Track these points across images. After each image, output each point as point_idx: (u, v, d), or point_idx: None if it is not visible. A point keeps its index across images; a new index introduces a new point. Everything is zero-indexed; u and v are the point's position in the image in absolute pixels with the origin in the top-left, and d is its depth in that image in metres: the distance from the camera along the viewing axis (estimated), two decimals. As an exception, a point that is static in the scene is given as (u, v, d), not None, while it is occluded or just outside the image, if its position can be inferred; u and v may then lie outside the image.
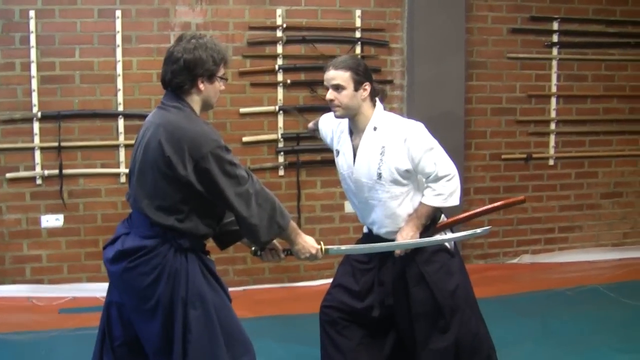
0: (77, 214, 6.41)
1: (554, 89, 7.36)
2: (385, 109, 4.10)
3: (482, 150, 7.27)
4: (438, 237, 4.10)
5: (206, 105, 3.48)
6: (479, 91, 7.16)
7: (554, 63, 7.34)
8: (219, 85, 3.46)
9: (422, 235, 4.02)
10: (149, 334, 3.35)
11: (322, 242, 3.77)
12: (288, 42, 6.65)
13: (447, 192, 3.92)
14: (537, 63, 7.31)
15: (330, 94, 3.91)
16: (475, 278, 6.60)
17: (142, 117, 6.27)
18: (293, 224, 3.58)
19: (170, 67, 3.35)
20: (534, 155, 7.37)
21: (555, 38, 7.31)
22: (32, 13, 6.12)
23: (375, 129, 3.95)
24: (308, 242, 3.69)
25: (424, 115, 6.23)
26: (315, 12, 6.69)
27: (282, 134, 6.69)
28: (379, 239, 4.11)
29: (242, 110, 6.59)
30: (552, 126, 7.41)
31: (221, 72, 3.44)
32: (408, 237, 3.96)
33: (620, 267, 7.27)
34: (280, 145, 6.72)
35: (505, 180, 7.36)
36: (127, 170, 6.29)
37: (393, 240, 4.01)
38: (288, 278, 6.82)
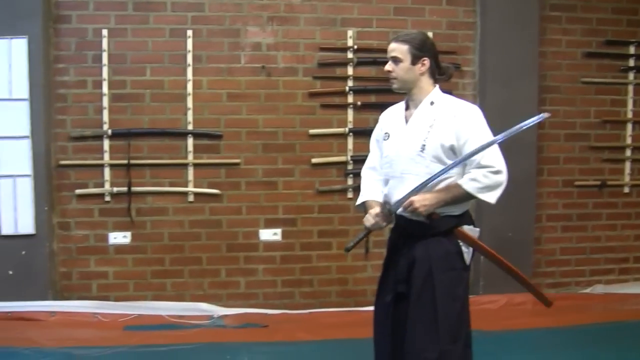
0: (144, 232, 6.44)
1: (629, 115, 7.17)
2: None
3: (555, 176, 7.10)
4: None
5: None
6: (553, 116, 6.92)
7: (630, 88, 7.15)
8: None
9: (432, 224, 3.79)
10: None
11: None
12: (359, 63, 6.61)
13: (484, 183, 3.70)
14: (613, 88, 7.13)
15: (388, 66, 3.89)
16: (546, 308, 6.50)
17: (212, 136, 6.32)
18: None
19: None
20: (609, 183, 7.18)
21: (631, 62, 7.14)
22: (105, 32, 6.21)
23: (432, 103, 3.86)
24: None
25: (496, 139, 6.13)
26: (387, 34, 6.58)
27: (351, 156, 6.63)
28: (402, 219, 3.92)
29: (312, 131, 6.56)
30: (628, 153, 7.22)
31: None
32: (423, 201, 3.73)
33: (698, 299, 7.00)
34: (350, 167, 6.66)
35: (579, 208, 7.18)
36: (195, 190, 6.34)
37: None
38: (355, 302, 6.72)
